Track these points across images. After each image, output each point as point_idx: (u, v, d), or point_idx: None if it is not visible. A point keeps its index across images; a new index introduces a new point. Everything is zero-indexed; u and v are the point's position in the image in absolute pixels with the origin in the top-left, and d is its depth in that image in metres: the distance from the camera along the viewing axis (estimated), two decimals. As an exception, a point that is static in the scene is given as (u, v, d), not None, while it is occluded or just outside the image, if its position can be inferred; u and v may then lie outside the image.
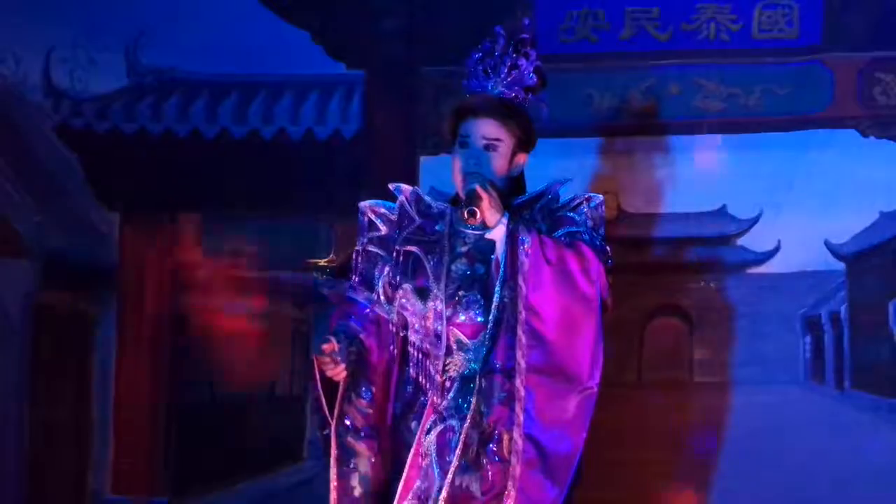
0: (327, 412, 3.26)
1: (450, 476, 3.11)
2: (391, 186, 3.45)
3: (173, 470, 6.68)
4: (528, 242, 3.06)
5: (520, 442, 3.06)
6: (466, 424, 3.12)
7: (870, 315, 7.47)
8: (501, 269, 3.09)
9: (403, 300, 3.24)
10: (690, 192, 6.54)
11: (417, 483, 3.20)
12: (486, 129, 3.23)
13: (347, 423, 3.25)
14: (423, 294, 3.22)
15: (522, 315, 3.03)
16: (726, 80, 6.33)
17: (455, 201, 3.27)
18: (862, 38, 6.22)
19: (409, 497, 3.17)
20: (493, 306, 3.10)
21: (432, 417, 3.22)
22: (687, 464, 6.26)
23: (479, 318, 3.18)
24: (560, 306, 3.08)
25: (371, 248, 3.32)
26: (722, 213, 6.88)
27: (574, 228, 3.19)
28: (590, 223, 3.20)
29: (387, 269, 3.26)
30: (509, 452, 3.11)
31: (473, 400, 3.13)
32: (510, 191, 3.26)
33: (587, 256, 3.12)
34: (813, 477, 6.29)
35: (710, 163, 6.47)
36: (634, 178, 6.42)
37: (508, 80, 3.27)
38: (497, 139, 3.23)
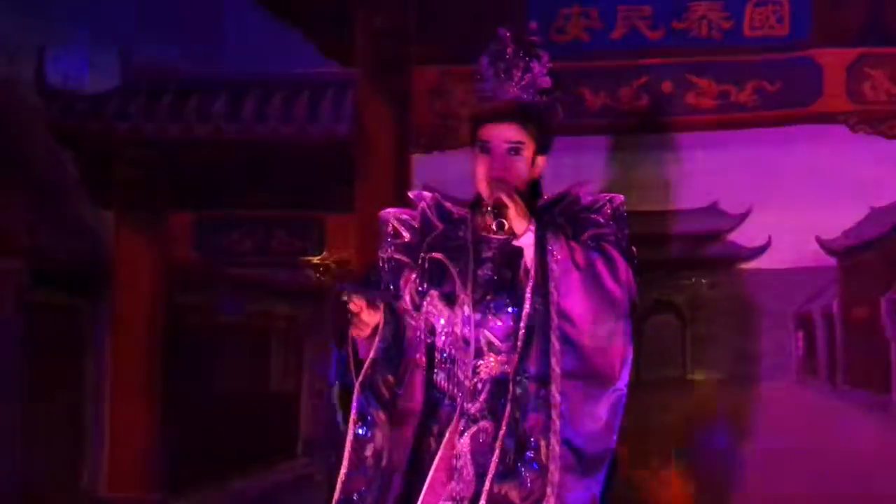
0: (354, 370, 3.16)
1: (487, 484, 3.08)
2: (412, 194, 3.36)
3: (168, 468, 6.68)
4: (556, 249, 3.06)
5: (557, 448, 3.04)
6: (502, 432, 3.11)
7: (862, 311, 7.48)
8: (532, 276, 3.09)
9: (430, 307, 3.21)
10: (682, 189, 6.56)
11: (452, 485, 3.17)
12: (509, 133, 3.17)
13: (372, 392, 3.16)
14: (450, 300, 3.19)
15: (555, 321, 3.04)
16: (718, 77, 6.34)
17: (475, 205, 3.23)
18: (851, 34, 6.23)
19: (443, 500, 3.14)
20: (523, 314, 3.09)
21: (463, 420, 3.18)
22: (684, 460, 6.29)
23: (508, 321, 3.16)
24: (591, 311, 3.09)
25: (396, 255, 3.27)
26: (713, 209, 6.91)
27: (599, 230, 3.17)
28: (613, 224, 3.18)
29: (413, 276, 3.23)
30: (547, 459, 3.09)
31: (508, 407, 3.11)
32: (532, 193, 3.23)
33: (615, 259, 3.11)
34: (804, 471, 6.32)
35: (702, 159, 6.49)
36: (626, 176, 6.43)
37: (523, 83, 3.22)
38: (520, 142, 3.18)
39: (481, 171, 3.15)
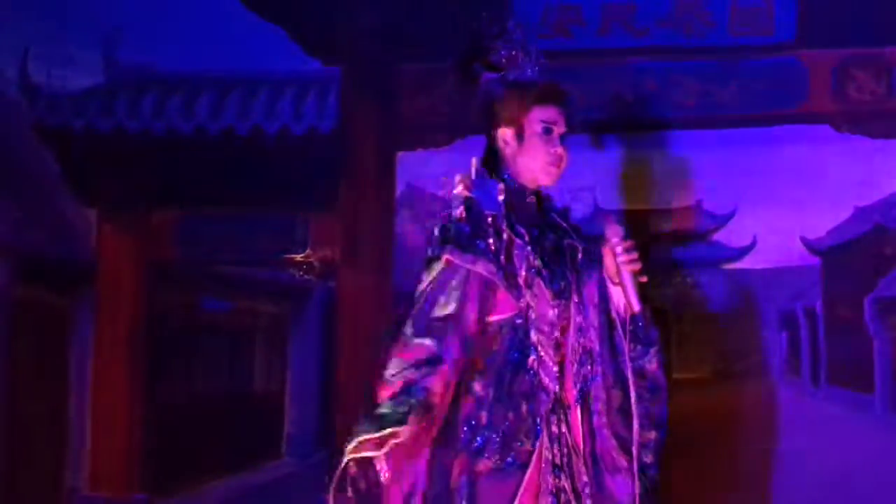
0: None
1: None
2: (487, 211, 3.16)
3: (152, 467, 6.65)
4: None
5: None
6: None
7: (845, 310, 7.49)
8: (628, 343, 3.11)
9: (535, 291, 3.07)
10: (666, 188, 6.56)
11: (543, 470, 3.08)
12: (561, 117, 3.08)
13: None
14: (551, 289, 3.11)
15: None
16: (702, 76, 6.34)
17: (520, 192, 3.11)
18: (836, 35, 6.24)
19: (542, 491, 3.05)
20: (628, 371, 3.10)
21: (552, 406, 3.09)
22: (666, 460, 6.29)
23: (576, 300, 3.11)
24: None
25: (482, 271, 3.04)
26: (698, 208, 6.91)
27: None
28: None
29: (526, 262, 3.08)
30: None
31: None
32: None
33: None
34: (788, 470, 6.32)
35: (686, 158, 6.49)
36: (610, 175, 6.43)
37: (538, 68, 3.12)
38: (565, 132, 3.10)
39: (541, 153, 3.05)
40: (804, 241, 7.03)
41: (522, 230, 3.09)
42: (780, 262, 7.05)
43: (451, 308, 2.96)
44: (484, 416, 3.01)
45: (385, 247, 6.27)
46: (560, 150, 3.05)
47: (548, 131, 3.05)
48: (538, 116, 3.06)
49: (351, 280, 6.21)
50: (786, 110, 6.41)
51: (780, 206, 6.74)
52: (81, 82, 6.52)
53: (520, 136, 3.08)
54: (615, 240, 3.06)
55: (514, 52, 3.12)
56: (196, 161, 6.34)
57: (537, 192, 3.14)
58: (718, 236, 6.96)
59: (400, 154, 6.26)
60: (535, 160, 3.06)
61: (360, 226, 6.21)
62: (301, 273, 6.34)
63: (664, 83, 6.28)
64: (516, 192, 3.12)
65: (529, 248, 3.08)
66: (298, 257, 6.34)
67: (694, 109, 6.30)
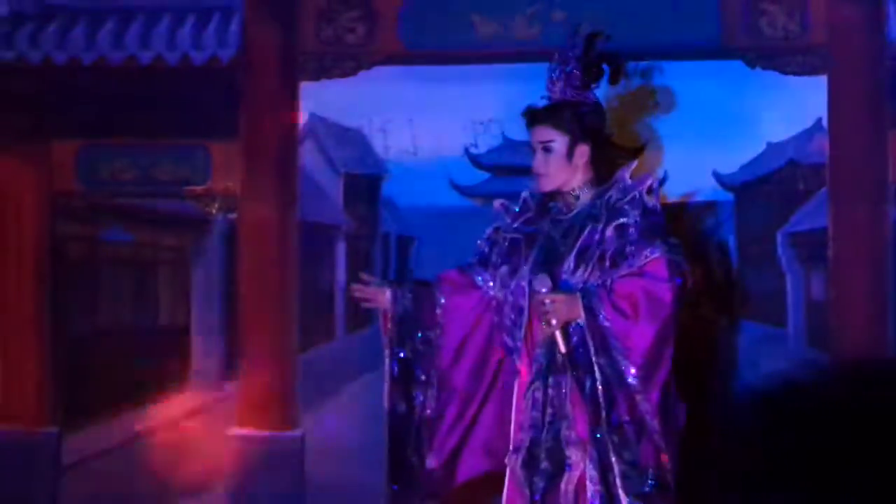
0: (389, 343, 3.84)
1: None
2: (524, 195, 3.95)
3: (62, 401, 6.61)
4: (603, 310, 3.55)
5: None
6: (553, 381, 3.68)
7: (758, 245, 7.52)
8: (591, 343, 3.57)
9: (501, 280, 3.83)
10: (574, 120, 6.52)
11: (518, 436, 3.74)
12: (541, 134, 3.79)
13: (402, 354, 3.82)
14: (514, 273, 3.79)
15: (627, 378, 3.58)
16: (612, 9, 6.29)
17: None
18: (748, -33, 6.21)
19: (513, 449, 3.74)
20: (595, 377, 3.56)
21: (528, 380, 3.75)
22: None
23: (554, 291, 3.66)
24: (646, 338, 3.61)
25: (493, 235, 3.92)
26: (606, 139, 6.88)
27: (625, 220, 3.66)
28: (637, 212, 3.67)
29: (495, 251, 3.88)
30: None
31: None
32: (584, 176, 3.78)
33: (639, 293, 3.62)
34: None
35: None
36: (518, 106, 6.38)
37: (564, 85, 3.83)
38: (550, 140, 3.76)
39: (533, 167, 3.79)
40: (716, 176, 7.03)
41: None
42: (692, 197, 7.05)
43: None
44: None
45: (288, 178, 6.21)
46: (535, 164, 3.74)
47: (533, 150, 3.79)
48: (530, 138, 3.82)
49: (252, 212, 6.15)
50: (697, 45, 6.38)
51: (692, 141, 6.73)
52: (-17, 13, 6.39)
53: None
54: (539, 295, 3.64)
55: (551, 77, 3.85)
56: (97, 92, 6.24)
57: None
58: (634, 171, 6.93)
59: (303, 84, 6.19)
60: None
61: (261, 156, 6.14)
62: (202, 205, 6.27)
63: (571, 13, 6.22)
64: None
65: None
66: (200, 189, 6.27)
67: (602, 40, 6.23)
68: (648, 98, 6.61)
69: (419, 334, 3.83)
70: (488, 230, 4.02)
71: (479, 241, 3.97)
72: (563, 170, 3.82)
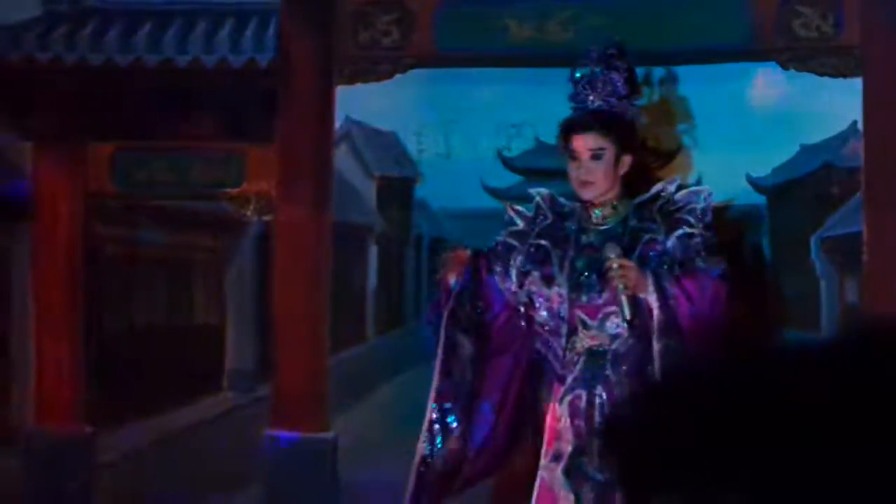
0: (444, 304, 3.81)
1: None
2: (531, 191, 3.93)
3: (96, 400, 6.64)
4: (673, 290, 3.59)
5: None
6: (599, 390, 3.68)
7: (792, 248, 7.48)
8: (658, 322, 3.59)
9: (531, 285, 3.76)
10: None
11: (555, 444, 3.72)
12: (591, 141, 3.70)
13: (456, 318, 3.78)
14: (548, 281, 3.75)
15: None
16: (645, 12, 6.27)
17: (580, 200, 3.80)
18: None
19: (551, 456, 3.71)
20: (655, 351, 3.61)
21: (563, 388, 3.72)
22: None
23: (598, 301, 3.69)
24: (701, 325, 3.60)
25: (509, 239, 3.86)
26: (641, 145, 6.88)
27: (690, 230, 3.68)
28: (702, 226, 3.69)
29: (520, 258, 3.79)
30: None
31: (609, 372, 3.69)
32: (624, 187, 3.78)
33: (706, 287, 3.63)
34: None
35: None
36: (551, 109, 6.38)
37: (604, 93, 3.73)
38: (601, 148, 3.69)
39: (572, 175, 3.71)
40: (749, 179, 7.00)
41: None
42: (726, 200, 7.04)
43: None
44: None
45: (323, 180, 6.22)
46: (579, 172, 3.67)
47: (572, 157, 3.69)
48: (568, 143, 3.72)
49: (288, 214, 6.16)
50: (731, 47, 6.36)
51: (725, 143, 6.70)
52: (18, 14, 6.42)
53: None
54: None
55: (580, 88, 3.77)
56: (133, 94, 6.26)
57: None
58: (662, 173, 6.92)
59: (339, 88, 6.20)
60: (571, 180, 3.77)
61: (297, 159, 6.15)
62: (238, 206, 6.28)
63: (607, 18, 6.21)
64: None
65: None
66: (235, 191, 6.28)
67: (637, 44, 6.22)
68: (677, 106, 6.61)
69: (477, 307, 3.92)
70: (502, 236, 4.01)
71: (496, 246, 3.90)
72: (608, 178, 3.81)
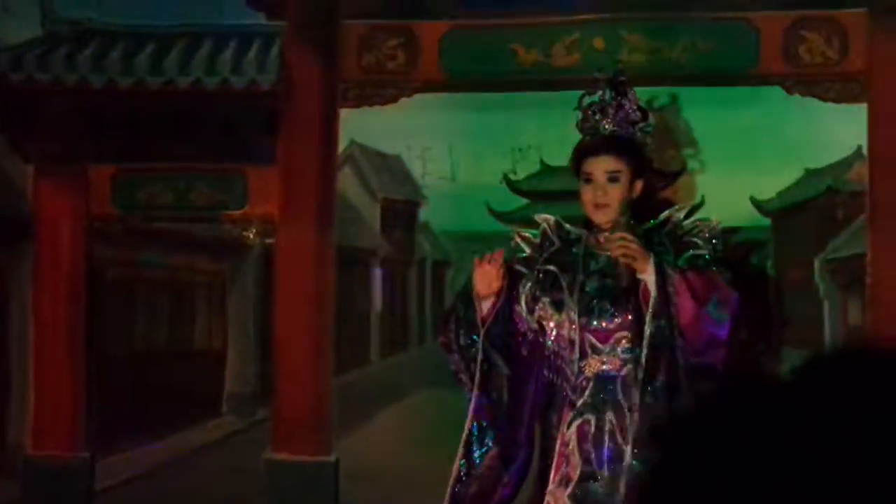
0: (480, 322, 3.78)
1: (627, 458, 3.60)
2: (537, 218, 3.92)
3: (94, 425, 6.56)
4: (674, 279, 3.57)
5: None
6: (609, 415, 3.66)
7: (796, 271, 7.45)
8: (653, 302, 3.57)
9: (541, 311, 3.75)
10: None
11: (563, 469, 3.69)
12: (607, 164, 3.72)
13: (493, 336, 3.77)
14: (558, 306, 3.74)
15: (679, 342, 3.55)
16: (651, 35, 6.25)
17: (588, 225, 3.81)
18: (789, -3, 6.17)
19: (558, 481, 3.69)
20: (646, 335, 3.58)
21: (571, 412, 3.70)
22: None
23: (609, 326, 3.68)
24: (697, 328, 3.58)
25: (517, 266, 3.85)
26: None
27: (697, 251, 3.70)
28: (710, 246, 3.71)
29: (529, 284, 3.77)
30: None
31: (620, 397, 3.65)
32: (635, 212, 3.79)
33: (720, 285, 3.60)
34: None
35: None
36: (557, 133, 6.37)
37: (617, 118, 3.77)
38: (617, 171, 3.71)
39: (586, 198, 3.68)
40: (754, 201, 6.97)
41: None
42: (730, 222, 7.02)
43: None
44: None
45: (327, 203, 6.18)
46: (593, 194, 3.63)
47: (587, 180, 3.64)
48: (582, 167, 3.68)
49: (290, 237, 6.11)
50: (736, 71, 6.34)
51: (729, 166, 6.68)
52: (19, 35, 6.37)
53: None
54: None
55: (590, 112, 3.74)
56: (134, 115, 6.21)
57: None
58: (667, 194, 6.91)
59: (344, 111, 6.16)
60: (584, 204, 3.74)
61: (300, 182, 6.11)
62: (239, 229, 6.23)
63: (612, 41, 6.19)
64: None
65: None
66: (237, 213, 6.23)
67: (642, 68, 6.20)
68: (680, 131, 6.59)
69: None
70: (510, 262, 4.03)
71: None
72: (622, 202, 3.84)
